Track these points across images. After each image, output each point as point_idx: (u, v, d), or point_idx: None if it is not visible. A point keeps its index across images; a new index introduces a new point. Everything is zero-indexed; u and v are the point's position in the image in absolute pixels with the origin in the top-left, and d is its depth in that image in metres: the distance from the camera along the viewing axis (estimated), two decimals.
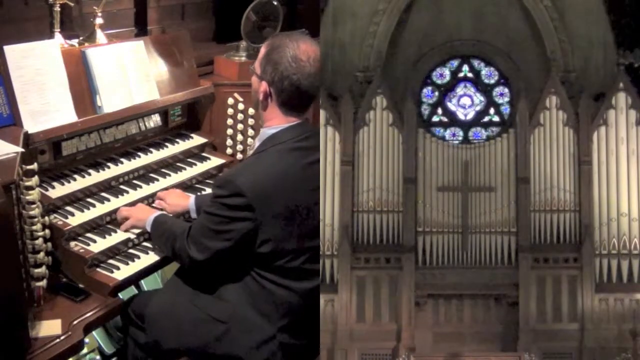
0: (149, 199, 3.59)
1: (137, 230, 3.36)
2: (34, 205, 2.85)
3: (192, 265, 3.03)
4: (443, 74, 4.88)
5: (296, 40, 2.91)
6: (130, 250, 3.32)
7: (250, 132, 4.25)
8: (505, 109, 4.86)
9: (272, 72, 2.89)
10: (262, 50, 2.98)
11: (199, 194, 3.72)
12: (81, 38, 3.86)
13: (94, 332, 3.58)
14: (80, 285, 3.09)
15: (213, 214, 2.89)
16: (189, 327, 3.01)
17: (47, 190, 3.23)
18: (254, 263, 2.94)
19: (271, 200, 2.85)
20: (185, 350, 3.04)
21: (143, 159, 3.78)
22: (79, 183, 3.41)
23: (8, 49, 3.20)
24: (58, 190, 3.29)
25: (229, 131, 4.25)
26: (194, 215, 3.48)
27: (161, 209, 3.49)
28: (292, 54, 2.87)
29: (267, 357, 2.94)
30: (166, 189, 3.67)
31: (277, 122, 2.97)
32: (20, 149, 2.85)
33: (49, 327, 2.82)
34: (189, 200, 3.53)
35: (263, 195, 2.83)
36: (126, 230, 3.34)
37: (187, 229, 2.99)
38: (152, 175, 3.76)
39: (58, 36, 3.65)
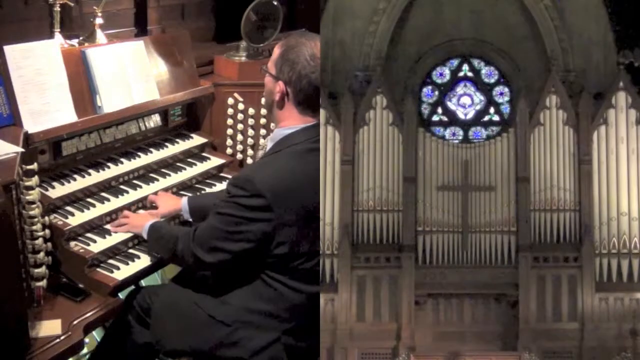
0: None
1: None
2: (34, 205, 2.86)
3: (198, 267, 3.03)
4: (443, 73, 4.88)
5: (312, 39, 2.90)
6: (130, 250, 3.33)
7: (250, 132, 4.24)
8: (505, 109, 4.86)
9: (289, 72, 2.87)
10: (277, 50, 2.95)
11: (190, 194, 3.69)
12: (81, 38, 3.86)
13: (94, 332, 3.57)
14: (80, 285, 3.09)
15: (228, 215, 2.82)
16: (193, 329, 2.99)
17: (47, 190, 3.23)
18: (267, 264, 2.90)
19: (289, 201, 2.81)
20: (189, 352, 3.03)
21: (143, 159, 3.78)
22: (79, 183, 3.41)
23: (8, 49, 3.20)
24: (58, 190, 3.29)
25: (229, 131, 4.25)
26: (186, 216, 3.46)
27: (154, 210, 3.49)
28: (310, 53, 2.85)
29: (271, 359, 2.94)
30: (166, 189, 3.67)
31: (292, 122, 2.94)
32: (20, 149, 2.85)
33: (49, 327, 2.82)
34: (180, 202, 3.50)
35: (282, 196, 2.79)
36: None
37: (190, 231, 2.95)
38: (152, 175, 3.76)
39: (58, 36, 3.65)
